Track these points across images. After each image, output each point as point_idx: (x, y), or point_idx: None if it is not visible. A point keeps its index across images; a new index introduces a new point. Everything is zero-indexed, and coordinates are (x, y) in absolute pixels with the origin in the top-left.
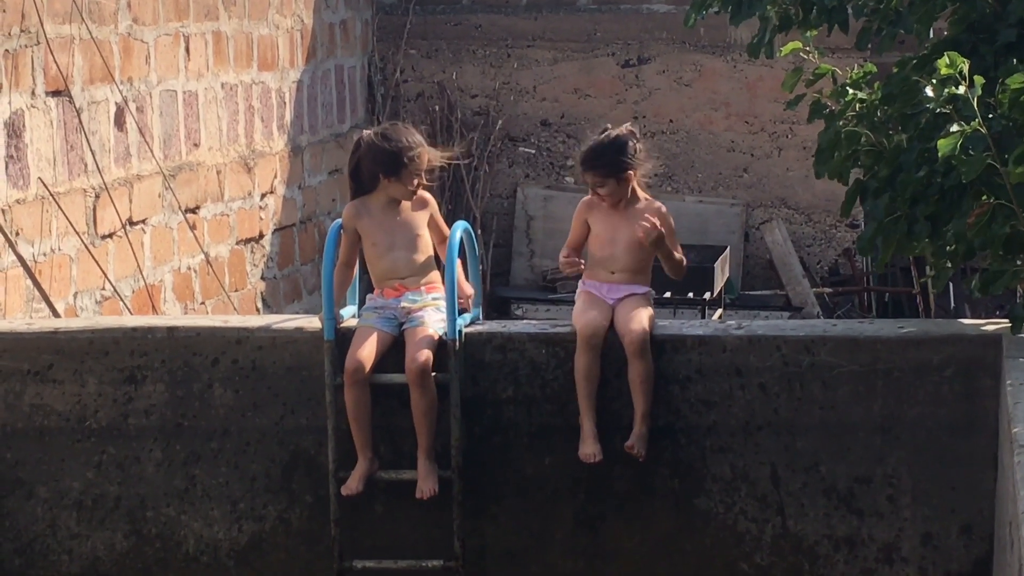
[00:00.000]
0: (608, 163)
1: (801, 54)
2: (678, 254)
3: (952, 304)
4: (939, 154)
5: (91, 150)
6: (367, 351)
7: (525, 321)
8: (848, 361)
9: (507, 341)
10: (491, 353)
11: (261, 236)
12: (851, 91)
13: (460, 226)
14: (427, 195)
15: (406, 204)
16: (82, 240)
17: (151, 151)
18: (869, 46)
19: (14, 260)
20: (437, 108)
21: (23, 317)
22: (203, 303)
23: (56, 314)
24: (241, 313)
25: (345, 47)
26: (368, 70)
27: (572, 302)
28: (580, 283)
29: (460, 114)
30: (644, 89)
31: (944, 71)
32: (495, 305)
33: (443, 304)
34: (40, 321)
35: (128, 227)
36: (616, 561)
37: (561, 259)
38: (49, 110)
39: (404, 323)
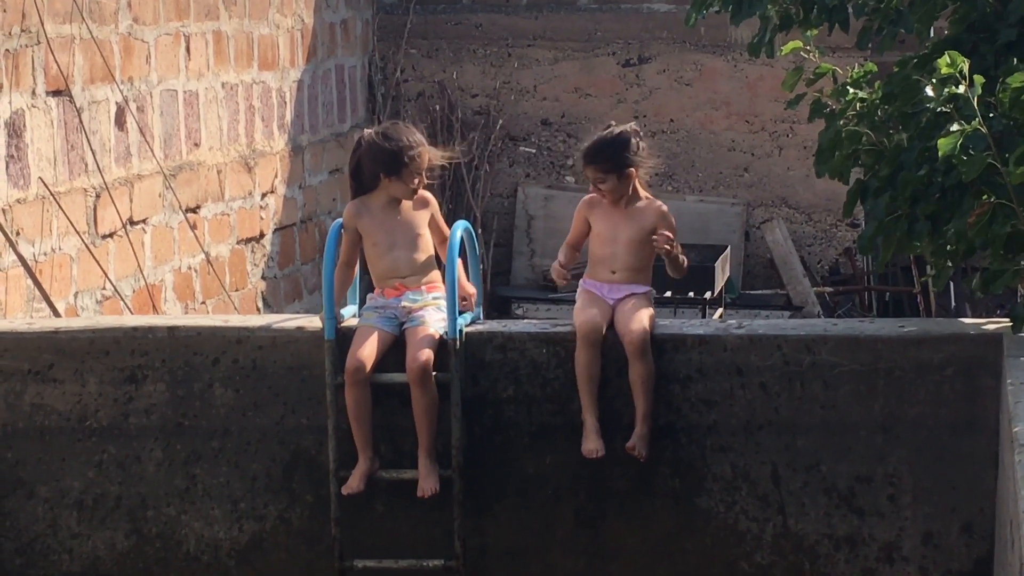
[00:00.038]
0: (610, 158)
1: (802, 53)
2: (680, 256)
3: (953, 303)
4: (939, 153)
5: (92, 150)
6: (368, 350)
7: (526, 321)
8: (849, 360)
9: (508, 340)
10: (492, 352)
11: (262, 236)
12: (852, 90)
13: (460, 225)
14: (428, 195)
15: (407, 203)
16: (83, 240)
17: (152, 151)
18: (870, 45)
19: (15, 260)
20: (438, 108)
21: (24, 317)
22: (204, 303)
23: (57, 314)
24: (242, 313)
25: (346, 47)
26: (369, 70)
27: (572, 301)
28: (580, 282)
29: (461, 113)
30: (645, 88)
31: (944, 70)
32: (495, 305)
33: (444, 303)
34: (41, 321)
35: (129, 227)
36: (617, 560)
37: (554, 267)
38: (50, 110)
39: (405, 322)
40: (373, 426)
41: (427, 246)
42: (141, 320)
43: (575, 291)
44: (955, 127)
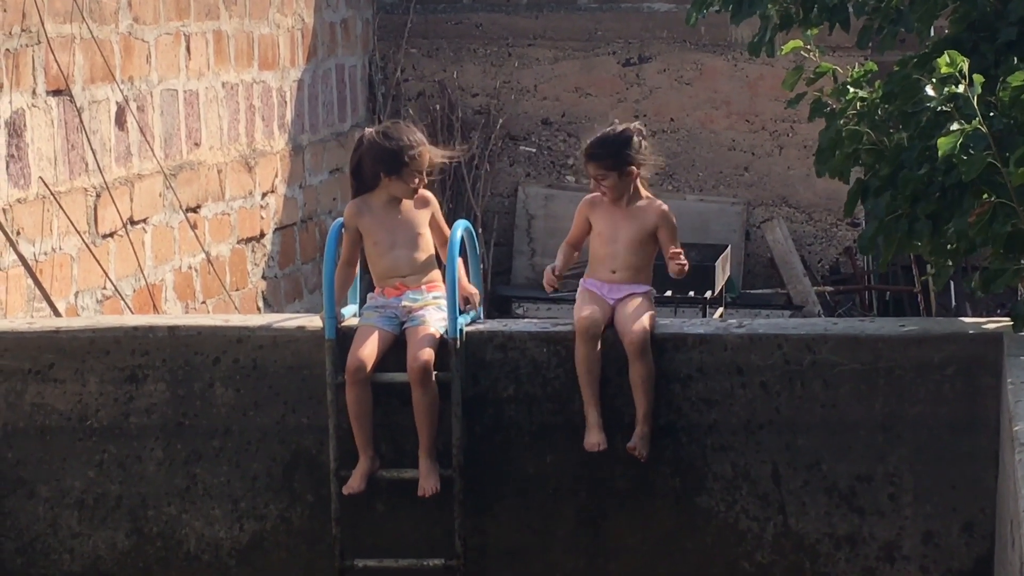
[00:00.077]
0: (612, 156)
1: (802, 53)
2: (682, 259)
3: (953, 303)
4: (939, 153)
5: (92, 149)
6: (368, 350)
7: (526, 320)
8: (849, 359)
9: (508, 340)
10: (492, 352)
11: (262, 235)
12: (852, 90)
13: (461, 225)
14: (429, 194)
15: (407, 203)
16: (83, 239)
17: (152, 150)
18: (870, 45)
19: (15, 259)
20: (438, 107)
21: (24, 316)
22: (204, 302)
23: (57, 313)
24: (242, 312)
25: (346, 46)
26: (369, 69)
27: (573, 301)
28: (581, 282)
29: (461, 113)
30: (645, 88)
31: (944, 70)
32: (496, 304)
33: (444, 303)
34: (41, 320)
35: (129, 226)
36: (617, 559)
37: (546, 272)
38: (50, 109)
39: (405, 322)
40: (374, 425)
41: (427, 245)
42: (141, 320)
43: (575, 291)
44: (955, 126)
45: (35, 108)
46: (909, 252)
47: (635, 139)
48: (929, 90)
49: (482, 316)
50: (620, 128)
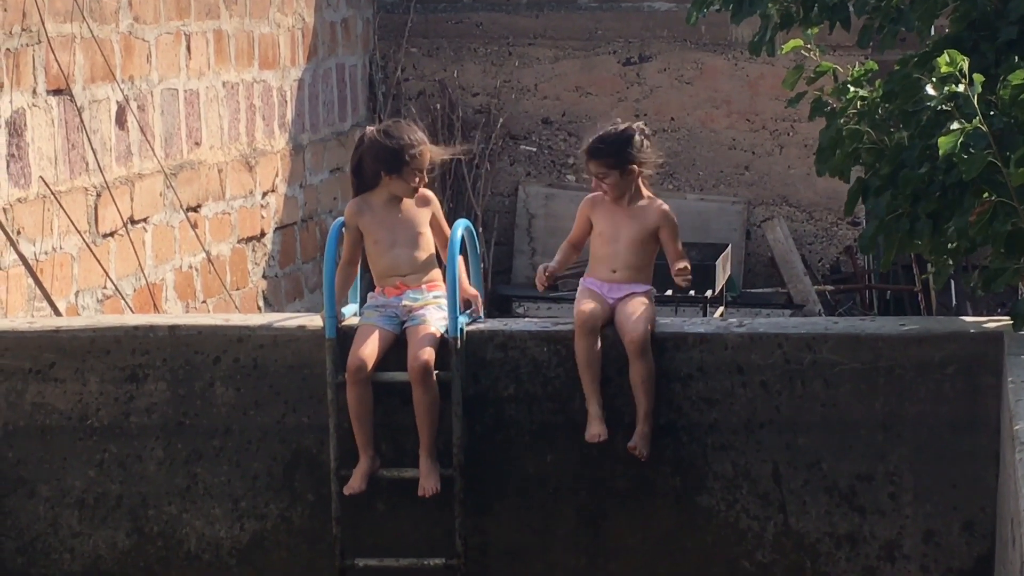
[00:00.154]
0: (613, 154)
1: (802, 52)
2: (683, 261)
3: (954, 302)
4: (940, 152)
5: (92, 149)
6: (369, 349)
7: (526, 319)
8: (850, 359)
9: (508, 339)
10: (493, 351)
11: (262, 234)
12: (852, 89)
13: (461, 224)
14: (430, 193)
15: (408, 202)
16: (83, 239)
17: (152, 150)
18: (870, 44)
19: (16, 259)
20: (438, 106)
21: (25, 316)
22: (204, 302)
23: (58, 313)
24: (243, 312)
25: (346, 45)
26: (369, 68)
27: (573, 300)
28: (581, 281)
29: (461, 112)
30: (645, 87)
31: (945, 69)
32: (496, 303)
33: (445, 302)
34: (42, 320)
35: (129, 226)
36: (618, 559)
37: (539, 271)
38: (50, 109)
39: (406, 321)
40: (374, 425)
41: (428, 244)
42: (142, 319)
43: (575, 291)
44: (955, 125)
45: (35, 107)
46: (910, 251)
47: (637, 138)
48: (929, 89)
49: (482, 316)
50: (622, 127)
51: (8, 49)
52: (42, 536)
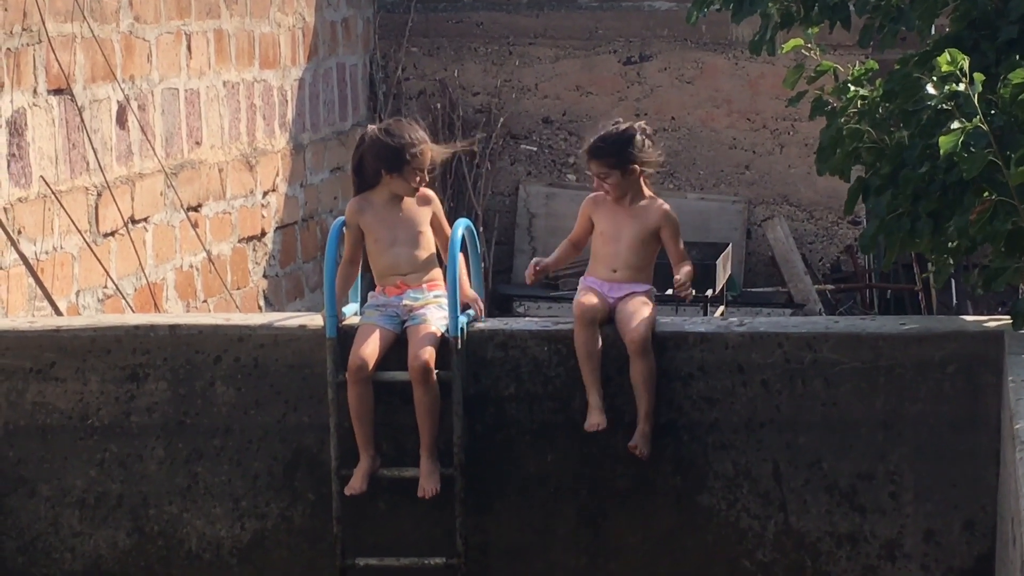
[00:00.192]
0: (614, 153)
1: (803, 51)
2: (686, 266)
3: (954, 301)
4: (941, 151)
5: (93, 148)
6: (370, 348)
7: (527, 319)
8: (850, 358)
9: (509, 338)
10: (493, 350)
11: (263, 234)
12: (853, 88)
13: (462, 223)
14: (431, 193)
15: (409, 201)
16: (84, 238)
17: (153, 149)
18: (871, 43)
19: (16, 258)
20: (439, 106)
21: (25, 315)
22: (205, 301)
23: (58, 312)
24: (243, 311)
25: (347, 45)
26: (370, 68)
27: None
28: (581, 280)
29: (462, 112)
30: (646, 86)
31: (945, 68)
32: (497, 302)
33: (445, 301)
34: (42, 319)
35: (130, 225)
36: (618, 558)
37: (531, 264)
38: (51, 108)
39: (406, 321)
40: (375, 424)
41: (428, 244)
42: (143, 318)
43: (575, 290)
44: (956, 124)
45: (36, 107)
46: (911, 251)
47: (638, 137)
48: (930, 88)
49: (483, 319)
50: (623, 126)
51: (9, 49)
52: (43, 535)
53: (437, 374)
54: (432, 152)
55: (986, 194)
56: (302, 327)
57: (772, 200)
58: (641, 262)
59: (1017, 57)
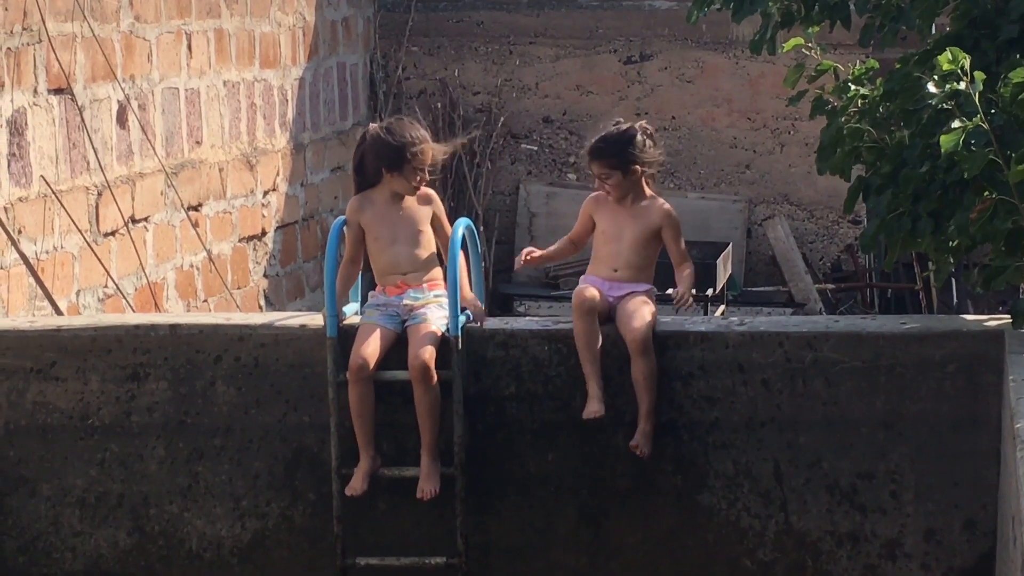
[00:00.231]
0: (615, 154)
1: (803, 50)
2: (689, 273)
3: (955, 300)
4: (942, 150)
5: (93, 148)
6: (371, 348)
7: (528, 318)
8: (851, 357)
9: (509, 338)
10: (494, 350)
11: (264, 233)
12: (853, 87)
13: (462, 223)
14: (432, 192)
15: (410, 199)
16: (84, 238)
17: (153, 149)
18: (871, 42)
19: (17, 258)
20: (439, 105)
21: (26, 315)
22: (206, 300)
23: (59, 312)
24: (244, 311)
25: (347, 44)
26: (370, 67)
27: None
28: (581, 279)
29: (462, 111)
30: (646, 86)
31: (946, 67)
32: (497, 302)
33: (445, 301)
34: (43, 319)
35: (130, 225)
36: (619, 557)
37: (525, 251)
38: (51, 108)
39: (407, 320)
40: (376, 424)
41: (429, 243)
42: (143, 318)
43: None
44: (957, 123)
45: (36, 107)
46: (912, 250)
47: (639, 138)
48: (931, 87)
49: (483, 323)
50: (624, 127)
51: (9, 48)
52: (43, 535)
53: (437, 373)
54: (433, 151)
55: (987, 193)
56: (303, 327)
57: (772, 199)
58: (642, 262)
59: (1018, 56)
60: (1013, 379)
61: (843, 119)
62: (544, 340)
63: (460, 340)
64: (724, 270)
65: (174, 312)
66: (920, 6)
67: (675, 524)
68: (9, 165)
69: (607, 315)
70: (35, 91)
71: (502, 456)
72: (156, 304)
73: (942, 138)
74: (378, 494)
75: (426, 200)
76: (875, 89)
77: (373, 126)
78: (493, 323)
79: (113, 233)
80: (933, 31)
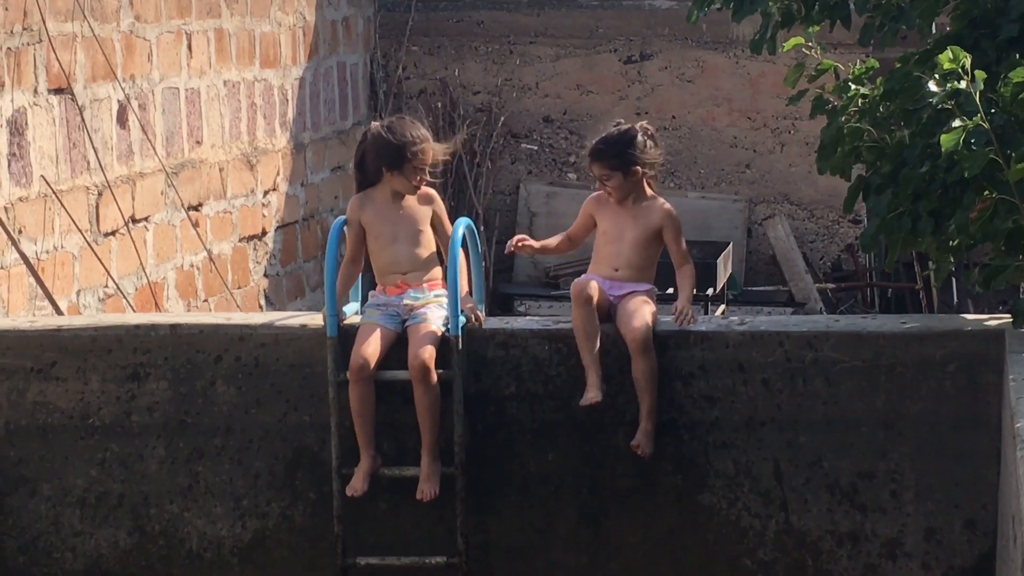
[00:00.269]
0: (616, 155)
1: (803, 50)
2: (689, 275)
3: (955, 299)
4: (943, 149)
5: (94, 148)
6: (372, 348)
7: (528, 318)
8: (851, 357)
9: (510, 338)
10: (494, 349)
11: (264, 233)
12: (853, 87)
13: (463, 222)
14: (432, 192)
15: (410, 199)
16: (85, 238)
17: (153, 149)
18: (871, 42)
19: (17, 258)
20: (439, 105)
21: (26, 315)
22: (206, 300)
23: (59, 312)
24: (244, 310)
25: (347, 44)
26: (370, 67)
27: None
28: (583, 277)
29: (462, 111)
30: (646, 85)
31: (946, 66)
32: (498, 301)
33: (446, 301)
34: (43, 319)
35: (131, 224)
36: (619, 557)
37: (516, 237)
38: (51, 108)
39: (407, 320)
40: (376, 423)
41: (429, 242)
42: (143, 318)
43: None
44: (957, 123)
45: (37, 107)
46: (912, 250)
47: (640, 138)
48: (931, 86)
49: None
50: (625, 127)
51: (9, 48)
52: (44, 535)
53: (438, 373)
54: (434, 151)
55: (987, 192)
56: (303, 326)
57: (773, 199)
58: (643, 262)
59: (1018, 56)
60: (1013, 378)
61: (843, 119)
62: (544, 340)
63: (460, 340)
64: (724, 270)
65: (174, 312)
66: (920, 6)
67: (675, 524)
68: (9, 165)
69: (608, 314)
70: (35, 91)
71: (502, 456)
72: (156, 304)
73: (942, 137)
74: (378, 494)
75: (427, 200)
76: (875, 89)
77: (374, 124)
78: (493, 323)
79: (113, 233)
80: (933, 31)
